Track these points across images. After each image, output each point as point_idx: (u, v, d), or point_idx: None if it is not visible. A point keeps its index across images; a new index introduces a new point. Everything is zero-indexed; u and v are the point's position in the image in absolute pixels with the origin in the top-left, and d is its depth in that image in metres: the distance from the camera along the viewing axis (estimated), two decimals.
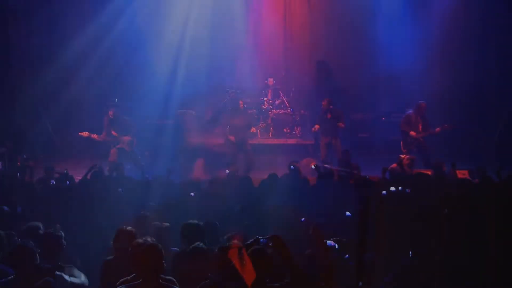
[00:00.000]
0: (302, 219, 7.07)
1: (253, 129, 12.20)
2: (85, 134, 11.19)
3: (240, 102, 12.21)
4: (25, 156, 10.10)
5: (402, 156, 10.68)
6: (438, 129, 11.55)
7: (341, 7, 15.45)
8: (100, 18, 15.11)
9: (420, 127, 11.56)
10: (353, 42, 15.33)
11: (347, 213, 6.52)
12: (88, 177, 8.91)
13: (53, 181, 9.04)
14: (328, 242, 5.35)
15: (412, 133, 11.44)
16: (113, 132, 11.13)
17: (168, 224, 5.86)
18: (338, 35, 15.48)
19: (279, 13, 16.15)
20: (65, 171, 9.18)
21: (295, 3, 16.19)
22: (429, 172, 9.77)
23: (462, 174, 9.71)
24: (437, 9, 14.84)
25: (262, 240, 4.30)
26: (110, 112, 11.32)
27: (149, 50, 15.17)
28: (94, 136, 11.13)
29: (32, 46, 14.76)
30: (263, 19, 16.14)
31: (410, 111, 11.73)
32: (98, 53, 15.31)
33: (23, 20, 14.43)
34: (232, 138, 11.77)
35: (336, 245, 5.35)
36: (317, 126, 11.97)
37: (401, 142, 11.58)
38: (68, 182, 8.86)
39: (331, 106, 11.86)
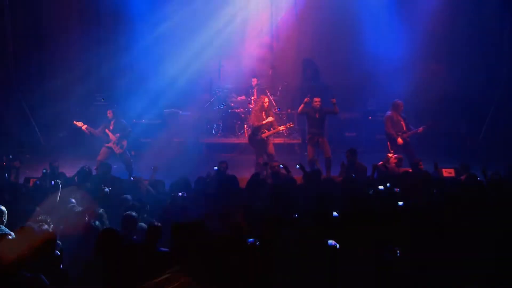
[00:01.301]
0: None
1: (281, 128, 11.67)
2: (80, 124, 11.10)
3: (266, 100, 11.60)
4: (11, 156, 9.97)
5: (390, 155, 10.71)
6: (421, 128, 11.60)
7: (328, 7, 15.49)
8: (87, 19, 15.08)
9: (403, 124, 11.59)
10: (340, 41, 15.39)
11: (334, 213, 6.48)
12: (76, 178, 8.82)
13: (37, 181, 8.98)
14: (329, 241, 5.35)
15: (399, 140, 11.44)
16: (107, 130, 11.09)
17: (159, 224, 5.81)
18: (324, 35, 15.54)
19: (266, 12, 16.15)
20: (44, 171, 9.08)
21: (282, 2, 16.21)
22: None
23: (448, 172, 9.79)
24: (422, 9, 14.94)
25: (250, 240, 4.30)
26: (109, 112, 11.29)
27: (136, 51, 15.14)
28: (86, 128, 11.04)
29: (18, 43, 14.63)
30: (250, 18, 16.14)
31: (389, 112, 11.74)
32: (86, 52, 15.29)
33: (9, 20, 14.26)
34: (257, 137, 11.38)
35: (337, 245, 5.35)
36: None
37: (388, 143, 11.59)
38: (52, 182, 8.77)
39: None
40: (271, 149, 11.38)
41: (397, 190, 8.05)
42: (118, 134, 11.12)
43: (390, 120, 11.60)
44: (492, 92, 14.56)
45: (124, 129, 11.29)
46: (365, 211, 6.68)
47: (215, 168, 9.50)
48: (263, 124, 11.31)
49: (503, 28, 14.41)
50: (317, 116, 11.47)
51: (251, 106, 14.73)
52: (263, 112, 11.41)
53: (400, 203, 7.13)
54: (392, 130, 11.52)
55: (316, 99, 11.51)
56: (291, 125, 11.83)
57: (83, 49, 15.41)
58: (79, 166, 9.44)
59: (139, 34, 15.21)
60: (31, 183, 9.28)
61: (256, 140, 11.39)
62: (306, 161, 11.21)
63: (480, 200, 7.14)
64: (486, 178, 8.71)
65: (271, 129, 11.37)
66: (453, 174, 9.83)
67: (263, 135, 11.27)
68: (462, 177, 9.30)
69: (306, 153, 12.12)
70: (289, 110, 15.01)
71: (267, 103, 11.47)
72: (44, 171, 9.08)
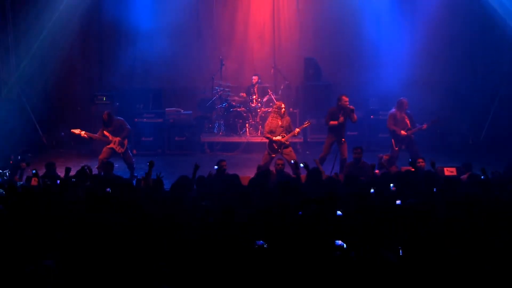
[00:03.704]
0: None
1: (297, 130, 11.12)
2: (77, 131, 11.06)
3: (282, 104, 11.21)
4: (19, 158, 9.98)
5: (380, 155, 10.75)
6: (425, 125, 11.57)
7: (330, 4, 15.48)
8: (89, 12, 15.10)
9: (408, 122, 11.54)
10: (342, 40, 15.38)
11: (338, 212, 6.49)
12: (73, 179, 8.77)
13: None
14: (336, 241, 5.35)
15: (402, 132, 11.40)
16: (105, 132, 11.05)
17: None
18: (326, 33, 15.52)
19: (268, 10, 16.15)
20: (34, 171, 9.03)
21: (284, 0, 16.21)
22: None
23: (450, 171, 9.79)
24: (424, 6, 14.95)
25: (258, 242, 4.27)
26: (104, 113, 11.23)
27: (136, 48, 15.15)
28: (85, 134, 11.01)
29: (18, 41, 14.61)
30: (251, 16, 16.13)
31: (393, 109, 11.70)
32: (86, 49, 15.28)
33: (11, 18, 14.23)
34: (277, 139, 10.96)
35: (344, 245, 5.35)
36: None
37: (392, 141, 11.54)
38: (58, 181, 8.79)
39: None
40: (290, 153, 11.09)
41: (393, 188, 8.08)
42: (119, 138, 11.07)
43: (393, 117, 11.57)
44: (494, 90, 14.56)
45: (122, 128, 11.22)
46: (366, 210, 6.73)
47: (215, 167, 9.47)
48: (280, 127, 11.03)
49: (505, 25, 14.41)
50: (343, 116, 11.24)
51: (253, 105, 14.74)
52: (279, 118, 11.10)
53: (398, 202, 7.15)
54: (394, 127, 11.49)
55: (346, 98, 11.25)
56: (309, 123, 11.49)
57: (84, 47, 15.43)
58: (81, 164, 9.43)
59: (139, 34, 15.19)
60: (32, 182, 9.24)
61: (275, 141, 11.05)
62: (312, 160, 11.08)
63: (483, 199, 7.17)
64: (486, 177, 8.73)
65: (287, 133, 11.03)
66: (454, 173, 9.82)
67: (283, 139, 11.01)
68: (464, 176, 9.32)
69: (307, 152, 12.08)
70: (291, 109, 14.98)
71: (283, 107, 11.16)
72: (34, 171, 9.02)
